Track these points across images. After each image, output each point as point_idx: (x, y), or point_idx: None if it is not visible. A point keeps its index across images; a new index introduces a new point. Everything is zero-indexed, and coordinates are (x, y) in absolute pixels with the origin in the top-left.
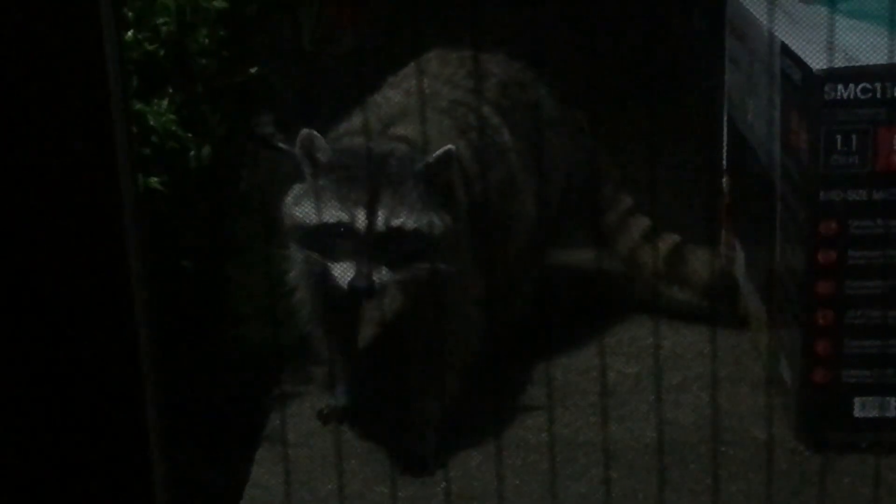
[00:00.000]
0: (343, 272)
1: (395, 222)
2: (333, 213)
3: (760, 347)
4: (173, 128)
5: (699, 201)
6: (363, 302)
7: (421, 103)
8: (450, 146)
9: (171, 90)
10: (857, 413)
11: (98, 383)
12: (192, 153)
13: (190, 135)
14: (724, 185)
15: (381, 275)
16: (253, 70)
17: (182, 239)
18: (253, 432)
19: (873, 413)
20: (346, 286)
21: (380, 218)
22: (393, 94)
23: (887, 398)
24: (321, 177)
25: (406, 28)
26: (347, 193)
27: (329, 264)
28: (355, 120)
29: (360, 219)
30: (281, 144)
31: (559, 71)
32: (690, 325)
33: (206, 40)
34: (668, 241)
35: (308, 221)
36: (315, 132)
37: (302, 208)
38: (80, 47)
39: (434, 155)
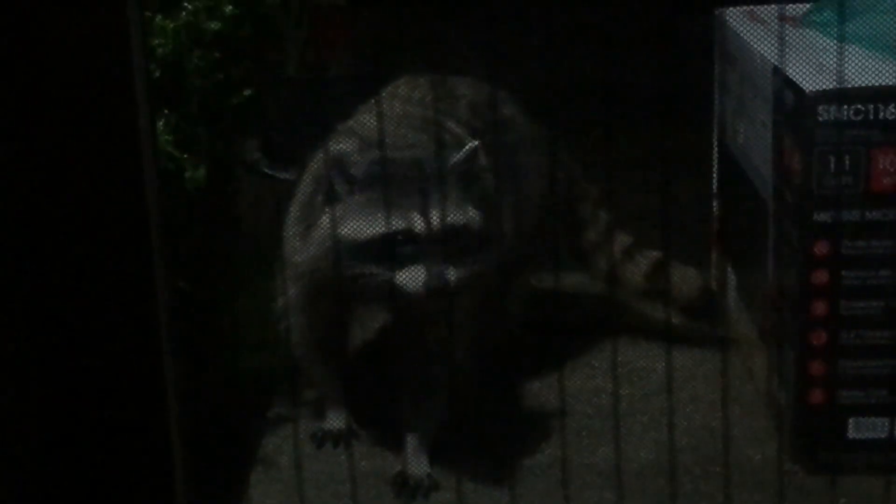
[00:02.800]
0: (414, 277)
1: (449, 220)
2: (388, 223)
3: (754, 369)
4: (169, 148)
5: (689, 225)
6: (437, 302)
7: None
8: (475, 142)
9: (166, 111)
10: (851, 434)
11: (123, 397)
12: (188, 174)
13: (185, 155)
14: (715, 208)
15: (451, 271)
16: (247, 92)
17: (177, 260)
18: (247, 456)
19: (868, 434)
20: (420, 289)
21: (434, 218)
22: (366, 119)
23: (882, 419)
24: (361, 192)
25: (391, 56)
26: (397, 201)
27: (394, 274)
28: (335, 145)
29: (418, 222)
30: (267, 170)
31: (544, 94)
32: (681, 347)
33: (202, 62)
34: (648, 257)
35: (360, 237)
36: (343, 151)
37: (352, 226)
38: (110, 65)
39: (463, 152)
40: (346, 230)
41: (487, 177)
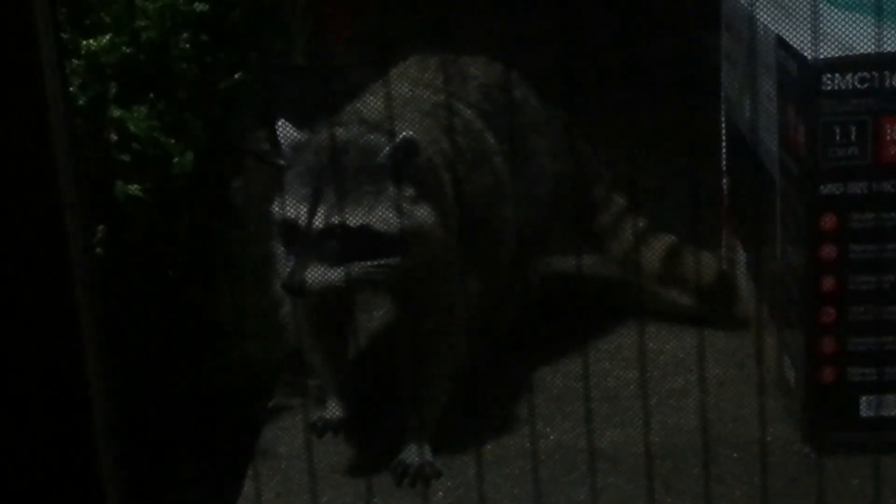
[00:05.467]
0: (282, 269)
1: (336, 219)
2: (285, 210)
3: (763, 349)
4: (155, 134)
5: (699, 203)
6: (298, 300)
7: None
8: (407, 133)
9: (152, 96)
10: (863, 412)
11: (43, 396)
12: (176, 160)
13: (172, 141)
14: (724, 185)
15: (314, 273)
16: (237, 76)
17: (167, 249)
18: (245, 446)
19: (880, 412)
20: (278, 284)
21: (319, 215)
22: (374, 100)
23: (894, 396)
24: (288, 170)
25: (398, 41)
26: (298, 189)
27: (282, 260)
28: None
29: (302, 215)
30: (277, 160)
31: (550, 72)
32: (690, 329)
33: (188, 45)
34: (663, 241)
35: (273, 216)
36: (287, 123)
37: (274, 203)
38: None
39: (391, 145)
40: (273, 205)
41: (432, 171)
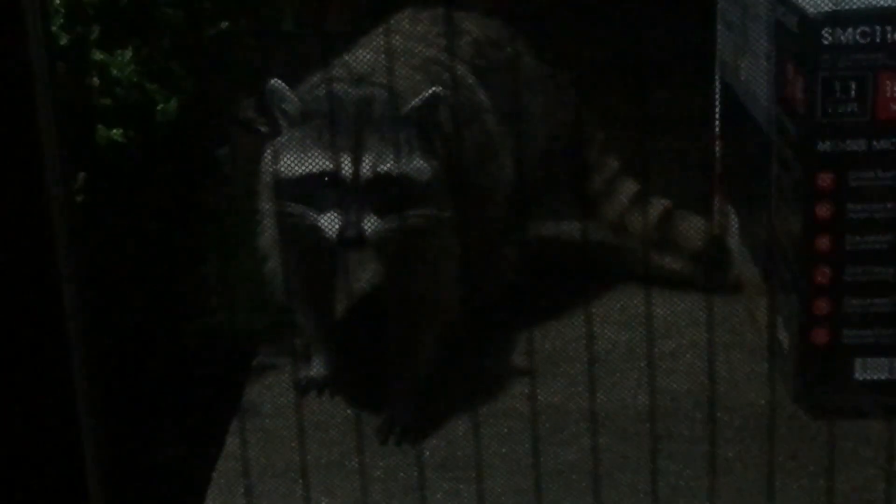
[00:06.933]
0: (330, 223)
1: (382, 168)
2: (317, 163)
3: (756, 313)
4: (138, 80)
5: (692, 168)
6: (353, 253)
7: (391, 58)
8: (436, 88)
9: (135, 40)
10: (857, 375)
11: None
12: (160, 107)
13: (156, 86)
14: (717, 150)
15: (371, 223)
16: (224, 25)
17: (150, 199)
18: (229, 403)
19: (875, 375)
20: (334, 237)
21: (365, 164)
22: (364, 53)
23: (890, 359)
24: (300, 127)
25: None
26: (330, 141)
27: (315, 216)
28: (325, 75)
29: (346, 166)
30: (263, 129)
31: (546, 34)
32: (682, 293)
33: None
34: (657, 205)
35: (290, 174)
36: (282, 82)
37: (284, 161)
38: None
39: (421, 97)
40: (280, 165)
41: (449, 125)
